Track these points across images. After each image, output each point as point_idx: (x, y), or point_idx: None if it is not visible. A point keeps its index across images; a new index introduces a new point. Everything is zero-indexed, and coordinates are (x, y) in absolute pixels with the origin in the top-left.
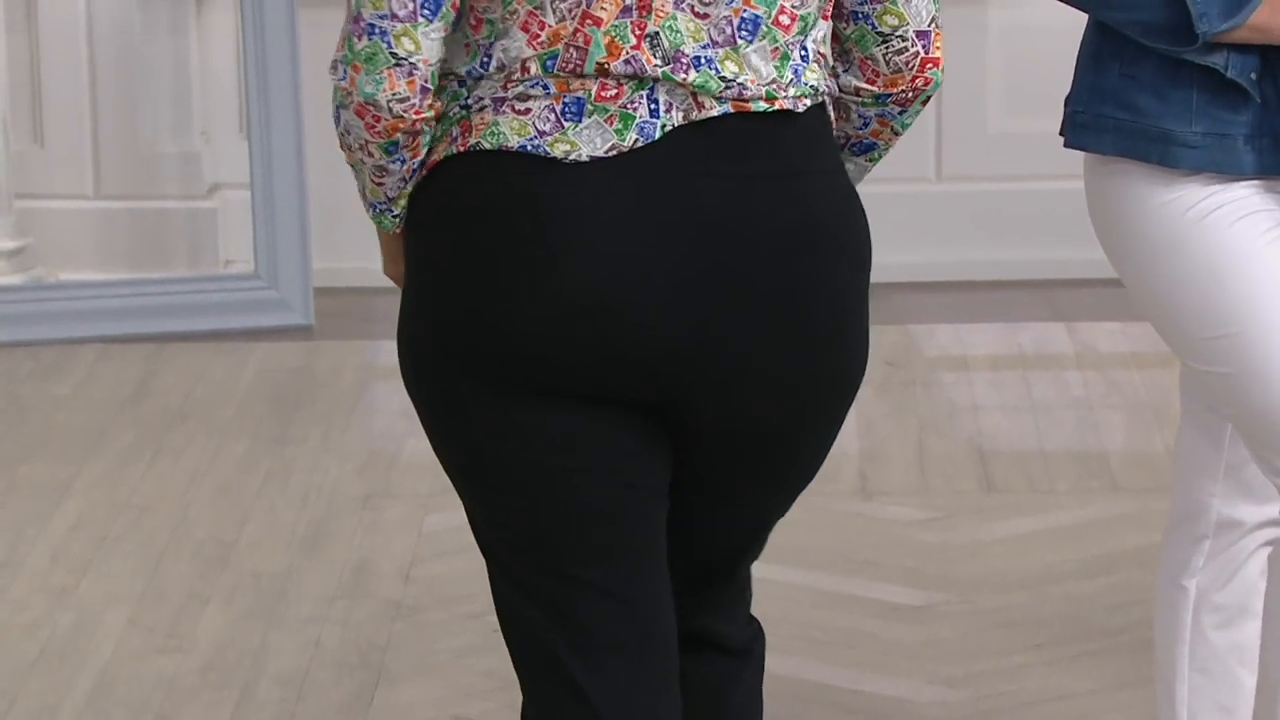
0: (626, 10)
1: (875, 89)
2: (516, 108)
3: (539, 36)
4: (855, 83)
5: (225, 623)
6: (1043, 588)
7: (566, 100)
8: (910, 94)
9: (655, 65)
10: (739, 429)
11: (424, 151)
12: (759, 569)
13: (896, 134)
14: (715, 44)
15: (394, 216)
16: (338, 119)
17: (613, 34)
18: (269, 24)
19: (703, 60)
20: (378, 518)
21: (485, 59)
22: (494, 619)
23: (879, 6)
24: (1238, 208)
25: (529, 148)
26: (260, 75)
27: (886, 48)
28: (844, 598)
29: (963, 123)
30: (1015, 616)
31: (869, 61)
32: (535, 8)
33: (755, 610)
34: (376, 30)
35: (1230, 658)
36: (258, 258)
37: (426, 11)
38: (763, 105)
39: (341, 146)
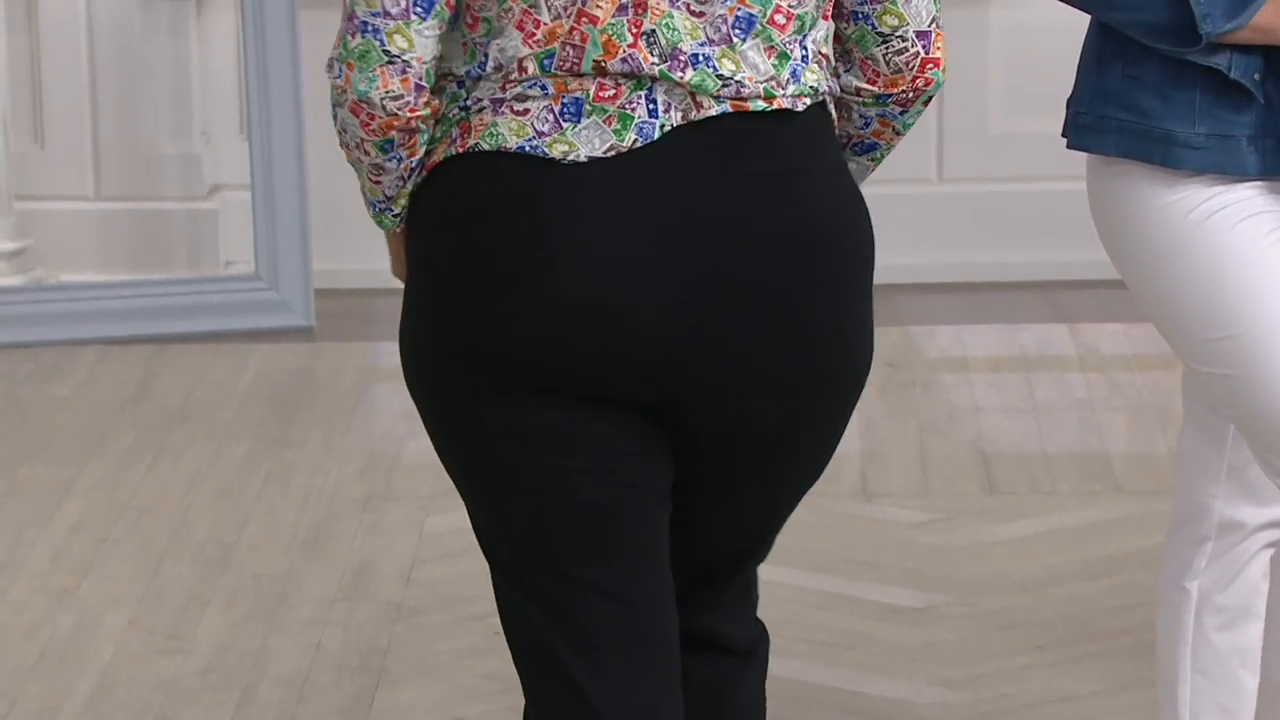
0: (623, 8)
1: (876, 89)
2: (515, 109)
3: (534, 35)
4: (856, 83)
5: (226, 625)
6: (1045, 589)
7: (565, 101)
8: (911, 94)
9: (653, 63)
10: (739, 429)
11: (421, 151)
12: (760, 570)
13: (898, 134)
14: (712, 41)
15: (394, 216)
16: (335, 117)
17: (609, 32)
18: (269, 25)
19: (700, 58)
20: (378, 520)
21: (483, 59)
22: (495, 621)
23: (879, 7)
24: (1241, 209)
25: (528, 149)
26: (261, 76)
27: (887, 48)
28: (845, 599)
29: (964, 123)
30: (1017, 618)
31: (869, 62)
32: (530, 6)
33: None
34: (369, 28)
35: (1232, 659)
36: (258, 259)
37: (419, 9)
38: (761, 104)
39: (340, 145)
